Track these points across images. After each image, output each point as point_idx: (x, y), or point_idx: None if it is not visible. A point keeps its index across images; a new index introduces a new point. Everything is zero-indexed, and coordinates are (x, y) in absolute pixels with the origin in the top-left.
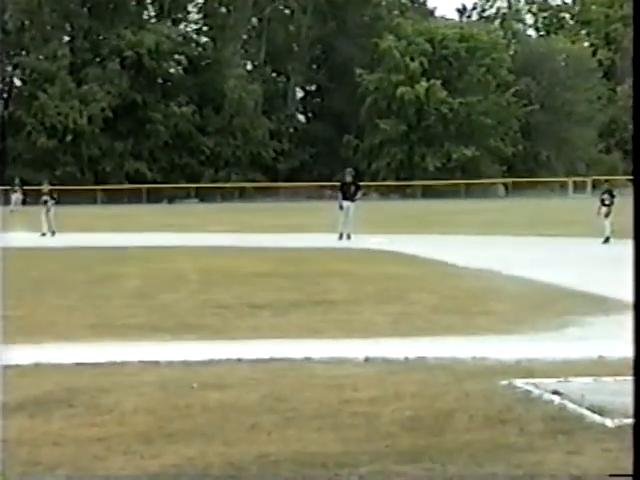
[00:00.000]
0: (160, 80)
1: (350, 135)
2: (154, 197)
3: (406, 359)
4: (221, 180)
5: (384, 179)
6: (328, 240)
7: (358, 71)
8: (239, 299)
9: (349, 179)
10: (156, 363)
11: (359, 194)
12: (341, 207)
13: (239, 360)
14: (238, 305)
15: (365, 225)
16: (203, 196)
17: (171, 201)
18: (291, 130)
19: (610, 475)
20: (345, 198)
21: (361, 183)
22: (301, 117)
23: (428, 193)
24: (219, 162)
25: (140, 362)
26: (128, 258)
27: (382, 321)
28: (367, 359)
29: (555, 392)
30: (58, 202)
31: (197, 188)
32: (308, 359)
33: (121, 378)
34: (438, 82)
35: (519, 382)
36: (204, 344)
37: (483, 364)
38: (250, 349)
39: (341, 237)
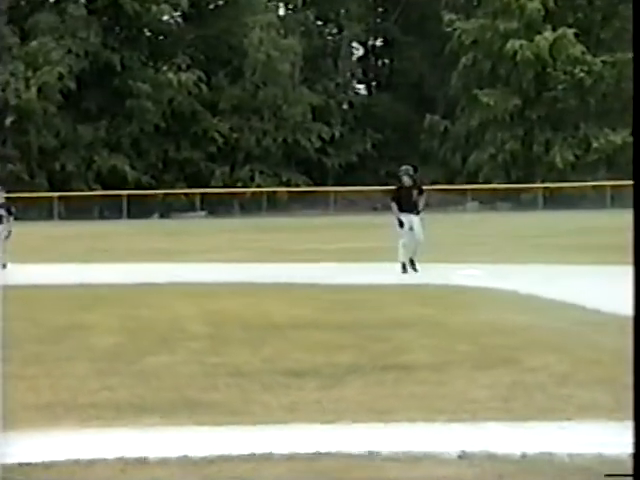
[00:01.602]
0: (147, 32)
1: (435, 114)
2: (139, 208)
3: (523, 456)
4: (240, 183)
5: (487, 180)
6: (399, 271)
7: (447, 16)
8: (267, 363)
9: (407, 181)
10: (143, 461)
11: (422, 202)
12: (401, 224)
13: (269, 455)
14: (265, 372)
15: (453, 250)
16: (213, 207)
17: (165, 215)
18: (345, 107)
19: (610, 475)
20: (403, 210)
21: (452, 186)
22: (360, 87)
23: (555, 200)
24: (237, 156)
25: (118, 459)
26: (100, 301)
27: (484, 397)
28: (463, 455)
29: None
30: (17, 218)
31: (203, 195)
32: (373, 454)
33: None
34: (570, 32)
35: None
36: (215, 431)
37: None
38: (285, 439)
39: (405, 268)
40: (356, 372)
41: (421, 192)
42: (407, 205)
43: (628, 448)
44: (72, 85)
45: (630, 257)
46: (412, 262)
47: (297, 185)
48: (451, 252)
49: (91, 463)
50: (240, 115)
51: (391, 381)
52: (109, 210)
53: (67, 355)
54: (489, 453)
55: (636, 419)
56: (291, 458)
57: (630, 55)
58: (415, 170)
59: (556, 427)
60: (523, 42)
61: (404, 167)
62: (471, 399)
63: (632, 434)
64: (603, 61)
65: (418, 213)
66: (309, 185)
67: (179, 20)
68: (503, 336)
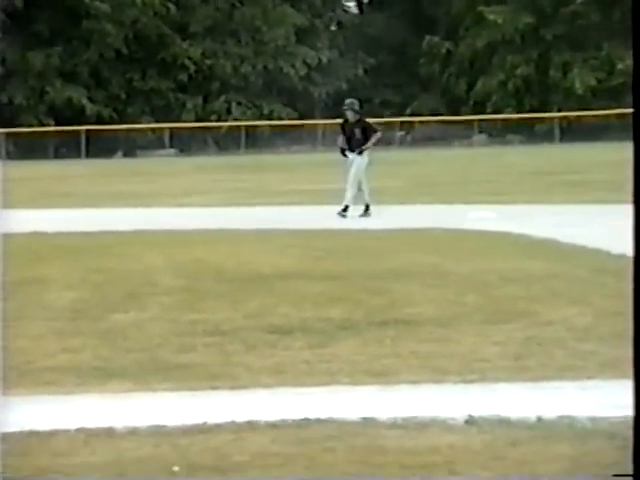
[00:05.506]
0: None
1: (435, 35)
2: (100, 146)
3: (539, 420)
4: (215, 116)
5: (496, 110)
6: (399, 214)
7: None
8: (249, 319)
9: (351, 117)
10: (109, 431)
11: (371, 141)
12: (345, 157)
13: (252, 423)
14: (248, 329)
15: (459, 189)
16: (184, 143)
17: (129, 153)
18: (333, 28)
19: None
20: (349, 148)
21: (456, 117)
22: (350, 5)
23: (574, 131)
24: (211, 85)
25: (80, 430)
26: (58, 252)
27: (495, 354)
28: (471, 420)
29: None
30: None
31: (173, 130)
32: (370, 421)
33: (49, 460)
34: None
35: None
36: (191, 397)
37: None
38: (270, 405)
39: (346, 209)
40: (350, 328)
41: (366, 130)
42: (349, 143)
43: None
44: (18, 4)
45: None
46: (367, 206)
47: (280, 118)
48: (457, 192)
49: (49, 435)
50: (214, 38)
51: (390, 338)
52: (65, 148)
53: (20, 313)
54: (500, 418)
55: (636, 417)
56: (276, 426)
57: None
58: (361, 105)
59: (576, 387)
60: None
61: (349, 100)
62: (480, 357)
63: (632, 432)
64: None
65: (360, 153)
66: (293, 118)
67: None
68: (517, 286)
